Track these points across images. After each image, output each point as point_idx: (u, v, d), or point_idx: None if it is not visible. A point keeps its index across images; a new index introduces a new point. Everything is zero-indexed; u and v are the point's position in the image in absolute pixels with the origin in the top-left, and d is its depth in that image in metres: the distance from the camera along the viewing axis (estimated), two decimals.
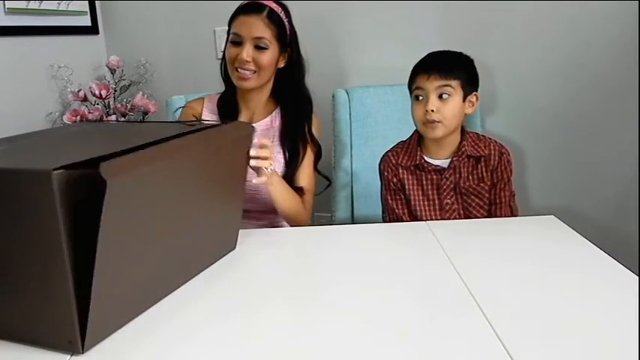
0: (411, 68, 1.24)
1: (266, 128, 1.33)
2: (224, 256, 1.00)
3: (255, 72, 1.25)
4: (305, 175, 1.32)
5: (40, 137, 0.91)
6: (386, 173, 1.29)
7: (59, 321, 0.68)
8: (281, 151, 1.31)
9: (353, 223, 1.61)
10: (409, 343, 0.70)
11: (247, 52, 1.23)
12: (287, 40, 1.28)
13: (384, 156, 1.31)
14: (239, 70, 1.25)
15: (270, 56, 1.25)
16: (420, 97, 1.19)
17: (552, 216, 1.17)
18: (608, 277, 0.88)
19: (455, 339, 0.71)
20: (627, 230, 1.83)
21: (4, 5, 1.65)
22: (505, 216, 1.24)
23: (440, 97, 1.17)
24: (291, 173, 1.30)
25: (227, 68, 1.30)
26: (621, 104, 1.79)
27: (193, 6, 1.99)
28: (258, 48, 1.23)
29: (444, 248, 1.00)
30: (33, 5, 1.76)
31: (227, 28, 1.29)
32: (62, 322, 0.68)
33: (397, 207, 1.27)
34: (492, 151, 1.23)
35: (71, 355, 0.70)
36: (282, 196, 1.21)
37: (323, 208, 1.67)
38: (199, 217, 0.89)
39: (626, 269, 0.90)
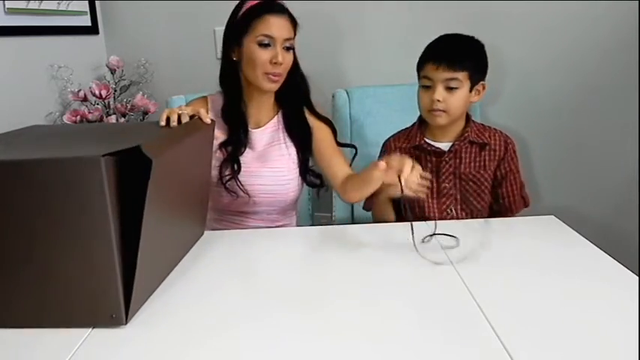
0: (423, 51, 1.23)
1: (274, 130, 1.31)
2: (200, 237, 1.10)
3: (280, 74, 1.21)
4: (342, 162, 1.28)
5: (36, 135, 0.95)
6: (389, 151, 1.29)
7: (103, 297, 0.74)
8: (292, 143, 1.30)
9: (353, 223, 1.61)
10: (409, 342, 0.70)
11: (282, 54, 1.18)
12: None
13: (386, 141, 1.31)
14: (270, 73, 1.19)
15: (293, 57, 1.23)
16: (428, 85, 1.19)
17: (552, 216, 1.17)
18: (608, 277, 0.88)
19: (454, 338, 0.71)
20: (627, 230, 1.83)
21: (4, 5, 1.65)
22: (517, 207, 1.24)
23: (447, 87, 1.17)
24: (305, 157, 1.28)
25: (231, 74, 1.25)
26: (621, 104, 1.80)
27: (193, 6, 1.98)
28: (286, 49, 1.20)
29: (444, 248, 1.00)
30: (33, 5, 1.76)
31: (239, 27, 1.20)
32: (106, 297, 0.74)
33: None
34: (498, 141, 1.24)
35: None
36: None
37: (323, 208, 1.67)
38: (186, 200, 0.99)
39: (626, 269, 0.90)
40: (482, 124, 1.28)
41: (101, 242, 0.71)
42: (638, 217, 1.80)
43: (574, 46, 1.80)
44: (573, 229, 1.10)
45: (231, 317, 0.78)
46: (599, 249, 0.99)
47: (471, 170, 1.23)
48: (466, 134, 1.22)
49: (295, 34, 1.23)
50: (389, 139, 1.31)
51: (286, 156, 1.29)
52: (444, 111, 1.17)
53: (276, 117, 1.32)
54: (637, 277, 0.86)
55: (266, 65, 1.18)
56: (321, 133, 1.29)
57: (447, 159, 1.23)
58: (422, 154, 1.25)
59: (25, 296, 0.75)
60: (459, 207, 1.24)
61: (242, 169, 1.23)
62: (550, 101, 1.86)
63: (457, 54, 1.18)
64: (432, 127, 1.25)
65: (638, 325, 0.72)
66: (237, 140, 1.25)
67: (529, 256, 0.98)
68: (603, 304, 0.79)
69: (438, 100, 1.16)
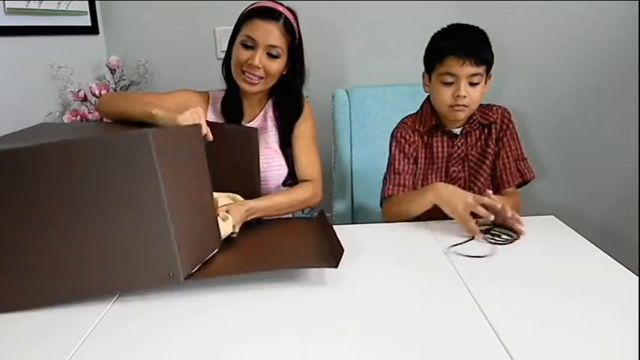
0: (434, 38, 1.23)
1: (262, 119, 1.32)
2: None
3: (262, 78, 1.23)
4: (307, 164, 1.30)
5: (44, 131, 1.00)
6: (403, 141, 1.27)
7: (160, 258, 0.80)
8: (275, 127, 1.31)
9: (353, 223, 1.61)
10: (409, 342, 0.70)
11: (260, 58, 1.20)
12: (295, 49, 1.26)
13: (399, 124, 1.30)
14: (246, 73, 1.23)
15: (280, 65, 1.24)
16: (450, 81, 1.18)
17: (552, 216, 1.17)
18: (608, 277, 0.88)
19: (455, 338, 0.71)
20: (627, 230, 1.83)
21: (4, 5, 1.65)
22: (512, 180, 1.25)
23: (470, 82, 1.17)
24: (291, 166, 1.30)
25: (230, 69, 1.27)
26: (621, 104, 1.80)
27: (193, 6, 1.98)
28: (270, 55, 1.22)
29: (444, 248, 1.00)
30: (33, 5, 1.76)
31: (235, 26, 1.25)
32: (163, 258, 0.80)
33: (405, 171, 1.25)
34: (500, 116, 1.25)
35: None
36: (272, 212, 1.20)
37: (323, 208, 1.67)
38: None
39: (626, 269, 0.90)
40: (481, 105, 1.27)
41: (154, 207, 0.78)
42: (638, 217, 1.80)
43: (574, 46, 1.80)
44: (573, 229, 1.10)
45: (218, 312, 0.79)
46: (599, 249, 0.99)
47: (478, 150, 1.25)
48: (474, 117, 1.24)
49: (289, 45, 1.23)
50: (402, 122, 1.29)
51: (270, 144, 1.30)
52: (467, 106, 1.18)
53: (263, 110, 1.34)
54: (637, 277, 0.86)
55: (243, 64, 1.22)
56: (303, 126, 1.31)
57: (458, 144, 1.24)
58: (434, 138, 1.25)
59: (82, 266, 0.80)
60: (466, 189, 1.23)
61: None
62: (550, 101, 1.86)
63: (479, 48, 1.18)
64: (442, 117, 1.25)
65: (638, 325, 0.72)
66: None
67: (529, 255, 0.98)
68: (603, 304, 0.79)
69: (464, 96, 1.16)
